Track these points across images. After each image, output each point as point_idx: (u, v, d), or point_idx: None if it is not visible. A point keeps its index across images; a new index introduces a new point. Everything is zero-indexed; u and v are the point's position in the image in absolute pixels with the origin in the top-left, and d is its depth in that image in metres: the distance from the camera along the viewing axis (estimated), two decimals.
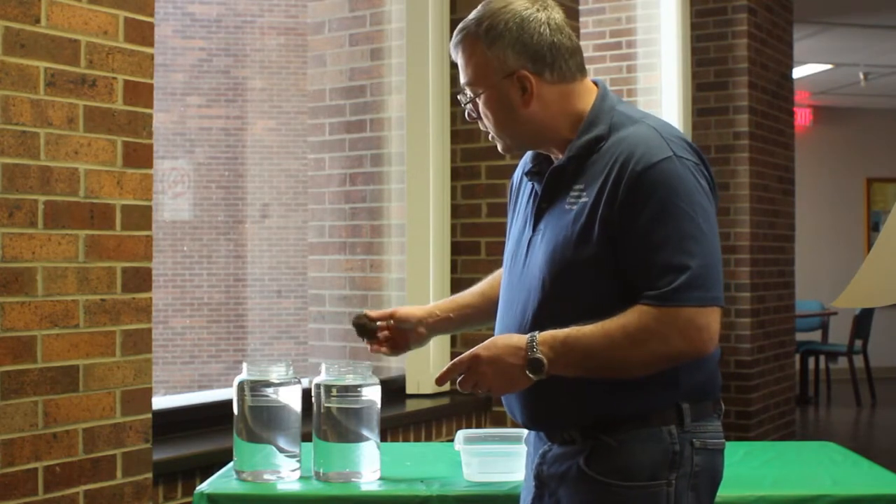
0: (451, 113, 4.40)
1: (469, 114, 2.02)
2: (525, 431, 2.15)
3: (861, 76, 9.60)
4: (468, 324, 2.36)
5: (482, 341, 2.13)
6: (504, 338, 1.88)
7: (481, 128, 2.02)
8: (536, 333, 1.83)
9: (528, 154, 2.08)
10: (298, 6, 11.62)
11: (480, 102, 1.96)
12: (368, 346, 2.29)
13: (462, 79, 1.98)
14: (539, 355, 1.81)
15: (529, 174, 2.02)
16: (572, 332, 1.81)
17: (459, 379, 1.89)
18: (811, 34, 8.28)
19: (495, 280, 2.25)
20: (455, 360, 1.88)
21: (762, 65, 6.09)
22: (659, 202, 1.79)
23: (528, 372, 1.83)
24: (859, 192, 11.76)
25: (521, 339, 1.85)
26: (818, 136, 11.58)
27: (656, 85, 5.49)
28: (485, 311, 2.26)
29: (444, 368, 1.91)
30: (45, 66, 2.47)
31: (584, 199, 1.87)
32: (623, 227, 1.81)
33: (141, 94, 2.68)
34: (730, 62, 5.89)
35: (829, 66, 9.58)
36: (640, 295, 1.79)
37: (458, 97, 2.02)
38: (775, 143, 6.27)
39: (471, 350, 1.88)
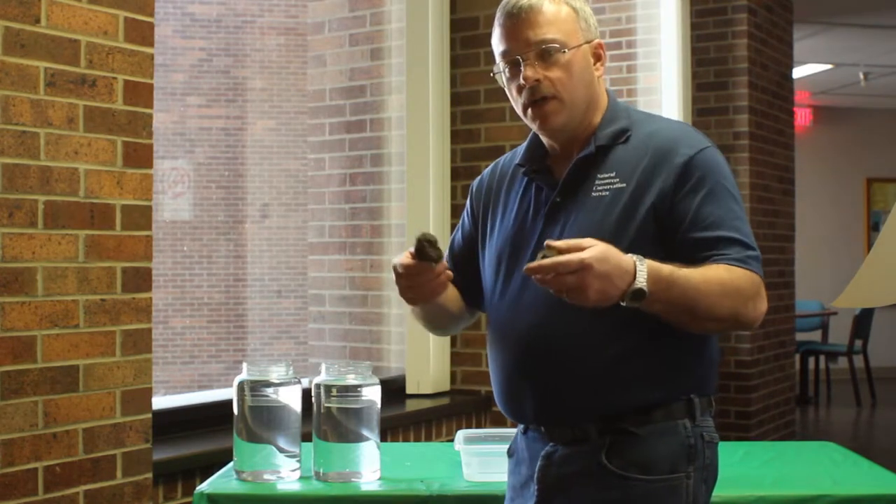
0: (451, 113, 4.40)
1: (525, 76, 1.90)
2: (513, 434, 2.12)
3: (861, 76, 9.60)
4: (429, 314, 2.12)
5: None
6: (614, 253, 1.71)
7: (523, 98, 1.93)
8: (644, 260, 1.72)
9: (518, 155, 2.08)
10: (298, 6, 11.62)
11: (562, 61, 1.91)
12: (404, 280, 1.91)
13: (539, 35, 1.91)
14: (644, 286, 1.71)
15: (531, 172, 2.02)
16: (675, 269, 1.75)
17: (550, 277, 1.69)
18: (811, 34, 8.27)
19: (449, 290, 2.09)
20: (562, 258, 1.67)
21: (762, 65, 6.08)
22: (712, 183, 1.87)
23: (625, 299, 1.72)
24: (859, 192, 11.76)
25: (628, 262, 1.71)
26: (818, 136, 11.58)
27: (656, 85, 5.48)
28: (446, 316, 2.13)
29: (549, 263, 1.67)
30: (45, 66, 2.47)
31: (618, 186, 1.89)
32: (677, 208, 1.85)
33: (141, 94, 2.69)
34: (730, 62, 5.88)
35: (829, 66, 9.58)
36: (710, 259, 1.81)
37: (519, 56, 1.91)
38: (775, 143, 6.27)
39: (580, 255, 1.67)
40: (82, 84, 2.55)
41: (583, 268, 1.67)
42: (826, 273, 10.62)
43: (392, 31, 4.39)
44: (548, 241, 1.71)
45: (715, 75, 5.92)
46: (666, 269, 1.75)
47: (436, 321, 2.17)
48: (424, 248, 1.85)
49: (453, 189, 4.38)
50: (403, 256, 1.90)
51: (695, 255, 1.83)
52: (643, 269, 1.72)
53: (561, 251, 1.68)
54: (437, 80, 4.30)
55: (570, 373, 1.88)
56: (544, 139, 2.02)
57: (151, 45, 2.72)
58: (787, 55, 6.56)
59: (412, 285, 1.91)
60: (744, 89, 5.86)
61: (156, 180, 4.03)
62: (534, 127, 1.98)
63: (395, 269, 1.92)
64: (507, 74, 1.96)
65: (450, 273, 1.91)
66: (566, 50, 1.92)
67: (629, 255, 1.73)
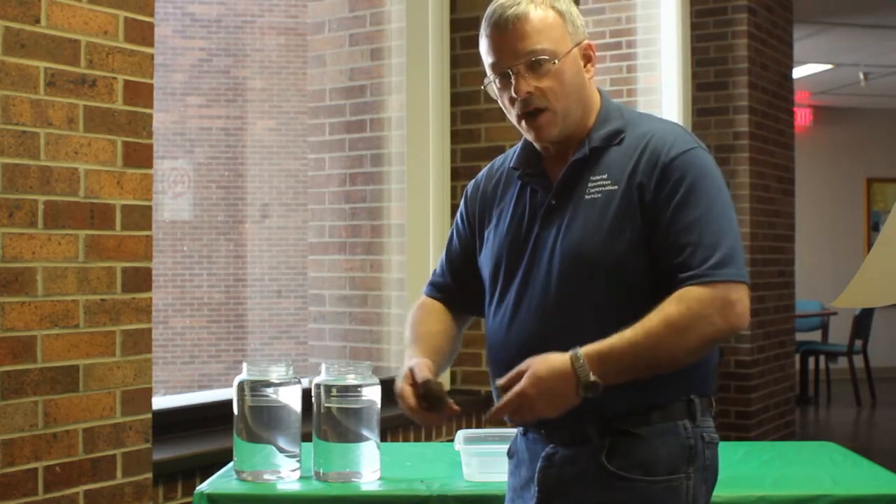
0: (451, 113, 4.40)
1: (517, 88, 1.90)
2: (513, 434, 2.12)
3: (861, 76, 9.60)
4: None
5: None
6: (545, 366, 1.78)
7: (516, 110, 1.92)
8: (580, 353, 1.77)
9: (511, 157, 2.07)
10: (298, 6, 11.62)
11: (553, 70, 1.90)
12: (409, 412, 1.93)
13: (528, 46, 1.89)
14: (593, 378, 1.76)
15: (525, 175, 2.01)
16: (615, 342, 1.77)
17: (508, 416, 1.83)
18: (811, 34, 8.27)
19: (442, 322, 2.12)
20: (502, 402, 1.80)
21: (762, 65, 6.09)
22: (691, 185, 1.86)
23: (583, 395, 1.78)
24: (859, 192, 11.76)
25: (564, 363, 1.78)
26: (818, 136, 11.58)
27: (656, 85, 5.48)
28: (451, 355, 2.13)
29: (494, 410, 1.81)
30: (45, 66, 2.47)
31: (611, 188, 1.89)
32: (657, 210, 1.85)
33: (141, 94, 2.68)
34: (730, 62, 5.89)
35: (829, 66, 9.58)
36: (675, 278, 1.81)
37: (509, 69, 1.90)
38: (775, 143, 6.27)
39: (516, 389, 1.79)
40: (82, 84, 2.55)
41: (523, 399, 1.78)
42: (826, 273, 10.63)
43: (392, 31, 4.39)
44: (498, 382, 1.82)
45: (715, 75, 5.92)
46: (607, 344, 1.77)
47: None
48: (433, 402, 1.88)
49: (453, 189, 4.38)
50: (406, 390, 1.90)
51: (666, 262, 1.83)
52: (582, 364, 1.76)
53: (506, 388, 1.80)
54: (437, 80, 4.30)
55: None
56: (538, 143, 2.02)
57: (151, 45, 2.72)
58: (787, 55, 6.56)
59: (415, 416, 1.93)
60: (744, 89, 5.87)
61: (156, 180, 4.03)
62: (529, 137, 1.98)
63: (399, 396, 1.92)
64: (498, 85, 1.95)
65: (457, 409, 1.91)
66: (556, 60, 1.90)
67: (564, 355, 1.78)
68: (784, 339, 6.45)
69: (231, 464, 2.62)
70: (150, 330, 2.71)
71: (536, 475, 1.94)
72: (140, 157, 2.68)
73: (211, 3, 11.72)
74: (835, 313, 9.81)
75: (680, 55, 5.39)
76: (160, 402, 3.24)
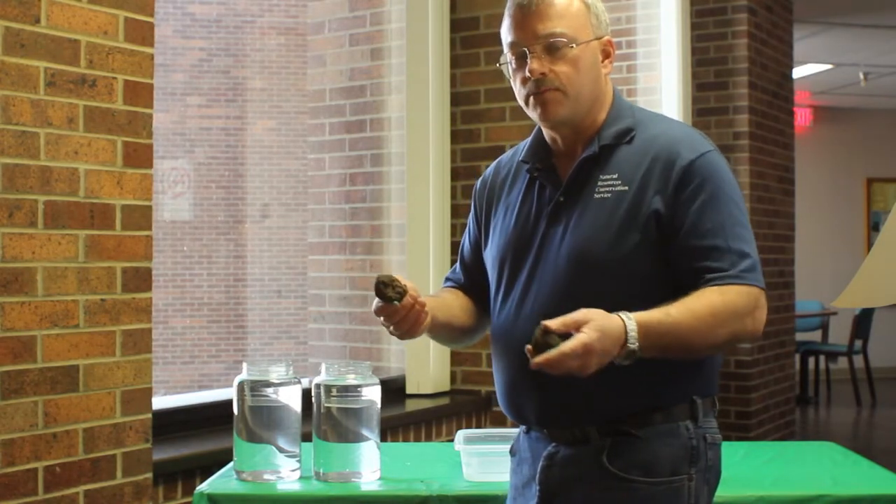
0: (451, 113, 4.41)
1: (531, 68, 1.89)
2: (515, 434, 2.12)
3: (861, 76, 9.59)
4: (439, 337, 2.12)
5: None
6: (607, 325, 1.70)
7: (527, 90, 1.91)
8: (631, 320, 1.72)
9: (520, 152, 2.07)
10: (298, 6, 11.62)
11: (569, 55, 1.90)
12: (383, 320, 1.90)
13: (548, 28, 1.90)
14: (636, 346, 1.71)
15: (536, 170, 2.01)
16: (662, 316, 1.74)
17: (552, 367, 1.68)
18: (811, 34, 8.27)
19: (452, 292, 2.13)
20: (568, 349, 1.66)
21: (762, 65, 6.08)
22: (712, 189, 1.86)
23: (619, 360, 1.72)
24: (859, 192, 11.75)
25: (619, 328, 1.71)
26: (818, 136, 11.58)
27: (656, 85, 5.47)
28: (458, 332, 2.11)
29: (555, 356, 1.67)
30: (45, 66, 2.47)
31: (621, 188, 1.88)
32: (676, 212, 1.84)
33: (141, 94, 2.69)
34: (730, 62, 5.88)
35: (829, 66, 9.57)
36: (700, 278, 1.81)
37: (526, 48, 1.90)
38: (775, 143, 6.27)
39: (581, 339, 1.67)
40: (82, 84, 2.55)
41: (586, 350, 1.67)
42: (826, 273, 10.62)
43: (392, 31, 4.39)
44: (544, 323, 1.69)
45: (715, 75, 5.91)
46: (655, 318, 1.74)
47: (451, 340, 2.17)
48: (381, 290, 1.85)
49: (453, 189, 4.38)
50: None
51: (691, 263, 1.83)
52: (633, 329, 1.72)
53: (560, 334, 1.69)
54: (437, 80, 4.30)
55: (572, 377, 1.87)
56: (547, 135, 2.01)
57: (151, 45, 2.72)
58: (787, 55, 6.55)
59: (391, 325, 1.90)
60: (744, 89, 5.86)
61: (156, 180, 4.03)
62: (535, 116, 1.95)
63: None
64: (514, 66, 1.95)
65: (423, 302, 1.89)
66: (574, 45, 1.90)
67: (616, 315, 1.72)
68: (784, 339, 6.45)
69: (231, 464, 2.62)
70: (150, 330, 2.71)
71: (538, 474, 1.94)
72: (140, 157, 2.68)
73: (211, 3, 11.71)
74: (835, 313, 9.81)
75: (680, 55, 5.38)
76: (160, 402, 3.24)
